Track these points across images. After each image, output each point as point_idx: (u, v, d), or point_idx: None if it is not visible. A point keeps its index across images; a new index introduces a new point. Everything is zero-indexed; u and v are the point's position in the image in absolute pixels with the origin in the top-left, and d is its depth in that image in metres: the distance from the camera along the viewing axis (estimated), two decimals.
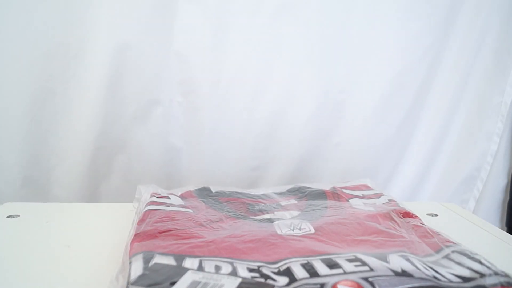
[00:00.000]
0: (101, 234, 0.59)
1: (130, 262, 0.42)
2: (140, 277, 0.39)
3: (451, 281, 0.40)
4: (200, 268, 0.42)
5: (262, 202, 0.65)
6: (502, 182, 1.06)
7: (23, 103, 0.84)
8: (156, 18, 0.85)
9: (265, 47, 0.89)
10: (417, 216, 0.58)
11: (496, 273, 0.41)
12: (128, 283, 0.39)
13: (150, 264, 0.41)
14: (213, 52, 0.89)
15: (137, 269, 0.40)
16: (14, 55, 0.82)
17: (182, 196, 0.65)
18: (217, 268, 0.42)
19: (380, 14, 0.90)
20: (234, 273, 0.41)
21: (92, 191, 0.92)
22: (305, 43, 0.90)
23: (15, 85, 0.83)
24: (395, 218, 0.57)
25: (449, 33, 0.93)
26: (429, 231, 0.53)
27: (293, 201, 0.66)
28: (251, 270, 0.42)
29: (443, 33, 0.93)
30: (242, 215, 0.59)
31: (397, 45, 0.92)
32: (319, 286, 0.38)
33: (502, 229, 0.85)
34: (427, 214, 0.70)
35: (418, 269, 0.42)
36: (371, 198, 0.66)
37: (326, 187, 0.71)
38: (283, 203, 0.65)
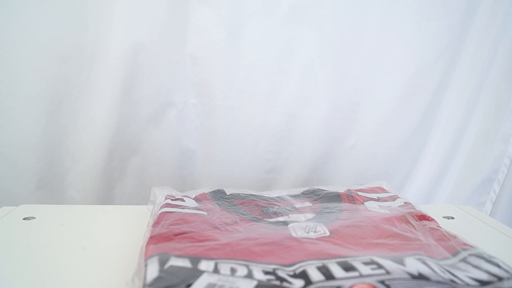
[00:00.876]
0: (116, 236, 0.59)
1: (146, 265, 0.42)
2: (156, 280, 0.39)
3: (468, 285, 0.40)
4: (216, 270, 0.42)
5: (277, 205, 0.65)
6: None
7: (38, 105, 0.85)
8: (170, 20, 0.85)
9: (279, 49, 0.89)
10: (433, 219, 0.58)
11: None
12: (144, 285, 0.39)
13: (165, 267, 0.41)
14: (227, 54, 0.88)
15: (152, 271, 0.41)
16: (28, 59, 0.82)
17: (196, 199, 0.65)
18: (233, 271, 0.42)
19: (395, 15, 0.89)
20: (249, 275, 0.41)
21: (107, 193, 0.93)
22: (319, 44, 0.89)
23: (30, 88, 0.84)
24: (411, 221, 0.56)
25: (465, 34, 0.92)
26: (445, 234, 0.52)
27: (308, 204, 0.66)
28: (266, 273, 0.42)
29: (459, 34, 0.92)
30: (256, 217, 0.59)
31: (413, 46, 0.91)
32: None
33: None
34: (443, 217, 0.70)
35: (435, 272, 0.41)
36: (386, 200, 0.66)
37: (341, 189, 0.71)
38: (297, 205, 0.65)
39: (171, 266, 0.41)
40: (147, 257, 0.44)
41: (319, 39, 0.89)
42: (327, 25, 0.89)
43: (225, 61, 0.89)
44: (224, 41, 0.88)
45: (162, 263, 0.42)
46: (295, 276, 0.41)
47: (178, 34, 0.87)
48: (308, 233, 0.53)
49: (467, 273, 0.42)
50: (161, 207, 0.59)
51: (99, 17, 0.83)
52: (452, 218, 0.70)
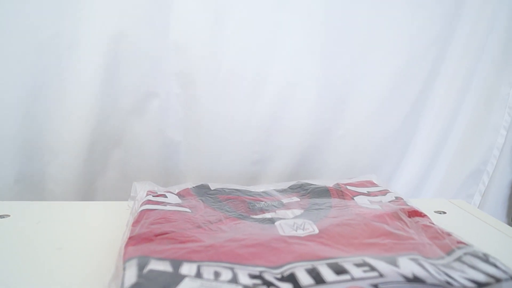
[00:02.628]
0: (95, 235, 0.57)
1: (124, 268, 0.40)
2: (134, 286, 0.37)
3: (465, 286, 0.38)
4: (198, 274, 0.39)
5: (263, 200, 0.63)
6: (508, 176, 1.05)
7: (16, 97, 0.82)
8: (152, 7, 0.83)
9: (265, 37, 0.87)
10: (426, 215, 0.56)
11: None
12: None
13: (144, 271, 0.39)
14: (211, 42, 0.86)
15: (130, 276, 0.38)
16: (5, 48, 0.79)
17: (179, 194, 0.63)
18: (216, 275, 0.40)
19: (385, 4, 0.88)
20: (234, 280, 0.39)
21: (88, 187, 0.91)
22: (308, 33, 0.88)
23: (8, 79, 0.81)
24: (403, 217, 0.54)
25: (455, 24, 0.92)
26: (439, 231, 0.51)
27: (296, 199, 0.64)
28: (252, 277, 0.40)
29: (450, 24, 0.92)
30: (242, 214, 0.57)
31: (403, 36, 0.91)
32: None
33: (508, 223, 0.84)
34: (435, 212, 0.69)
35: (430, 274, 0.40)
36: (376, 195, 0.64)
37: (330, 183, 0.69)
38: (285, 201, 0.63)
39: (151, 271, 0.39)
40: (125, 259, 0.42)
41: (306, 28, 0.88)
42: (315, 13, 0.87)
43: (209, 50, 0.87)
44: (208, 30, 0.86)
45: (141, 267, 0.39)
46: (282, 279, 0.39)
47: (161, 22, 0.84)
48: (296, 230, 0.51)
49: (463, 274, 0.41)
50: (142, 204, 0.56)
51: (79, 4, 0.80)
52: (444, 213, 0.69)
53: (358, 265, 0.41)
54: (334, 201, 0.62)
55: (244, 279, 0.39)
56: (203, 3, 0.84)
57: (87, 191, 0.91)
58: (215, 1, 0.84)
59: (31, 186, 0.87)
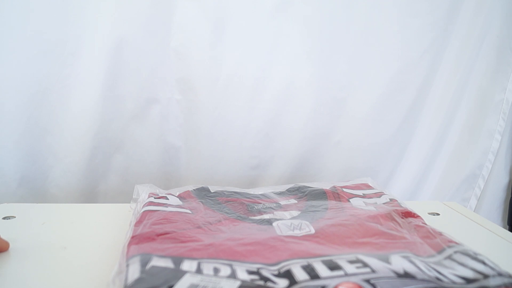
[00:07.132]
0: (98, 235, 0.58)
1: (127, 265, 0.41)
2: (137, 281, 0.38)
3: (454, 282, 0.40)
4: (199, 270, 0.41)
5: (261, 202, 0.64)
6: (503, 180, 1.05)
7: (20, 102, 0.83)
8: (154, 14, 0.84)
9: (264, 44, 0.88)
10: (419, 216, 0.58)
11: (500, 274, 0.41)
12: (124, 286, 0.38)
13: (147, 267, 0.40)
14: (212, 49, 0.87)
15: (134, 272, 0.40)
16: (9, 54, 0.81)
17: (180, 197, 0.64)
18: (216, 271, 0.41)
19: (381, 11, 0.89)
20: (233, 275, 0.40)
21: (90, 191, 0.91)
22: (305, 40, 0.89)
23: (11, 83, 0.82)
24: (396, 218, 0.56)
25: (450, 30, 0.92)
26: (431, 231, 0.52)
27: (293, 201, 0.65)
28: (250, 273, 0.41)
29: (445, 30, 0.92)
30: (241, 216, 0.59)
31: (398, 42, 0.91)
32: None
33: (504, 227, 0.85)
34: (429, 213, 0.70)
35: (421, 270, 0.41)
36: (371, 197, 0.66)
37: (326, 186, 0.70)
38: (282, 203, 0.64)
39: (153, 267, 0.41)
40: (128, 257, 0.43)
41: (304, 35, 0.88)
42: (312, 21, 0.88)
43: (209, 57, 0.88)
44: (208, 37, 0.87)
45: (144, 263, 0.41)
46: (279, 275, 0.41)
47: (162, 29, 0.85)
48: (293, 231, 0.52)
49: (453, 271, 0.42)
50: (144, 206, 0.58)
51: (82, 12, 0.81)
52: (438, 214, 0.70)
53: (352, 261, 0.42)
54: (331, 203, 0.63)
55: (242, 274, 0.41)
56: (203, 11, 0.85)
57: (89, 195, 0.91)
58: (215, 9, 0.85)
59: (34, 190, 0.88)
